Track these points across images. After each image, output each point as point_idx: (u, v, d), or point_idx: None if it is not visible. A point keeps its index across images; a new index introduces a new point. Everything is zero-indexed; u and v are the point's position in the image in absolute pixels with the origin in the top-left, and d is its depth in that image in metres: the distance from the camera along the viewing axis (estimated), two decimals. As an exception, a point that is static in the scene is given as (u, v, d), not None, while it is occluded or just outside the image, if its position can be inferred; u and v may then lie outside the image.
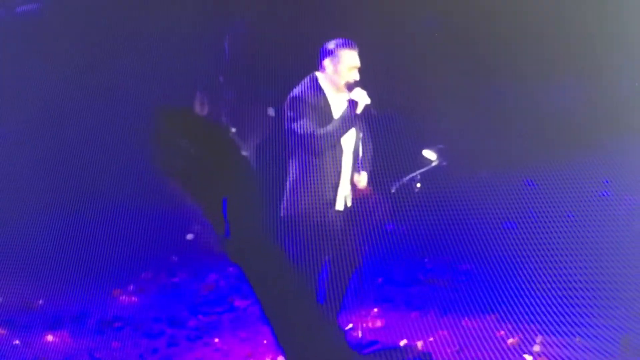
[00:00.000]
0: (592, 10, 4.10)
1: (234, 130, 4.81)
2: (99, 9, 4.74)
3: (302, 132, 3.26)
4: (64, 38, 4.64)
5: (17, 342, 3.53)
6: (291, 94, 3.32)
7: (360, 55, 3.35)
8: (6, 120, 4.60)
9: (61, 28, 4.68)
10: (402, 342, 3.55)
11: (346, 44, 3.28)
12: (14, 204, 4.33)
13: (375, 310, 3.75)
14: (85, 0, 4.74)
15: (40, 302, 3.83)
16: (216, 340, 3.61)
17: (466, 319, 3.72)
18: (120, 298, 3.91)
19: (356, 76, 3.29)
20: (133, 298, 3.92)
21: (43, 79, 4.60)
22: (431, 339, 3.60)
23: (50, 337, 3.56)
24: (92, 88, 4.71)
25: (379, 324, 3.69)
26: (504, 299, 3.81)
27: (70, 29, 4.67)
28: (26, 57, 4.64)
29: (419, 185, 3.59)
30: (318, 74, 3.32)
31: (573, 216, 4.35)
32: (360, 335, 3.48)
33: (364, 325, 3.51)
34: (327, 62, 3.27)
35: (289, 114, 3.31)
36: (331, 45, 3.28)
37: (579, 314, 3.69)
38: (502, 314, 3.73)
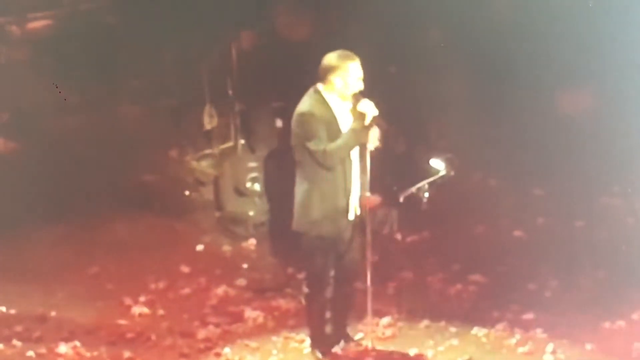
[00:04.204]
0: (601, 18, 4.06)
1: (242, 141, 4.81)
2: (109, 25, 4.76)
3: (314, 148, 3.19)
4: (73, 52, 4.66)
5: (30, 353, 3.50)
6: (298, 109, 3.26)
7: (368, 67, 3.32)
8: (12, 130, 4.61)
9: (71, 43, 4.70)
10: (413, 351, 3.49)
11: (349, 56, 3.22)
12: (25, 217, 4.33)
13: (385, 319, 3.70)
14: (94, 15, 4.77)
15: (53, 313, 3.80)
16: (227, 350, 3.56)
17: (476, 327, 3.65)
18: (132, 309, 3.87)
19: (361, 85, 3.25)
20: (144, 309, 3.89)
21: (51, 92, 4.62)
22: (441, 347, 3.54)
23: (63, 349, 3.53)
24: (99, 102, 4.72)
25: (389, 333, 3.64)
26: (515, 307, 3.75)
27: (80, 43, 4.69)
28: (34, 71, 4.66)
29: (426, 194, 3.55)
30: (320, 86, 3.26)
31: (583, 224, 4.29)
32: (370, 344, 3.42)
33: (374, 334, 3.45)
34: (333, 77, 3.20)
35: (298, 130, 3.24)
36: (334, 60, 3.21)
37: (590, 321, 3.62)
38: (513, 322, 3.66)
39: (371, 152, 3.30)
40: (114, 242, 4.40)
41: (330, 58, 3.25)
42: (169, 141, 4.90)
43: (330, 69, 3.23)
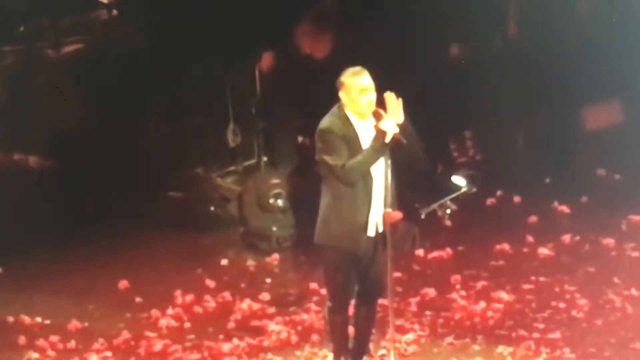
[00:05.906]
0: (632, 33, 3.99)
1: (265, 159, 4.88)
2: (137, 48, 4.91)
3: (332, 163, 3.24)
4: (104, 74, 4.81)
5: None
6: (320, 124, 3.31)
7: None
8: (47, 148, 4.77)
9: (102, 65, 4.87)
10: (436, 369, 3.44)
11: (353, 73, 3.20)
12: (58, 232, 4.41)
13: (408, 335, 3.66)
14: (124, 39, 4.93)
15: (85, 325, 3.86)
16: (251, 364, 3.60)
17: (501, 345, 3.58)
18: (159, 322, 3.90)
19: (371, 97, 3.27)
20: (171, 322, 3.92)
21: (83, 112, 4.77)
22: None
23: (94, 359, 3.58)
24: (128, 122, 4.86)
25: (411, 349, 3.61)
26: (541, 326, 3.67)
27: (110, 65, 4.85)
28: (68, 92, 4.83)
29: (448, 211, 3.53)
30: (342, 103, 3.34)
31: (611, 242, 4.17)
32: (393, 361, 3.39)
33: (397, 350, 3.43)
34: (341, 95, 3.28)
35: (319, 145, 3.29)
36: (340, 78, 3.28)
37: (620, 341, 3.51)
38: (540, 342, 3.57)
39: (392, 169, 3.32)
40: (142, 256, 4.46)
41: (339, 77, 3.31)
42: (194, 159, 4.99)
43: (338, 87, 3.30)
